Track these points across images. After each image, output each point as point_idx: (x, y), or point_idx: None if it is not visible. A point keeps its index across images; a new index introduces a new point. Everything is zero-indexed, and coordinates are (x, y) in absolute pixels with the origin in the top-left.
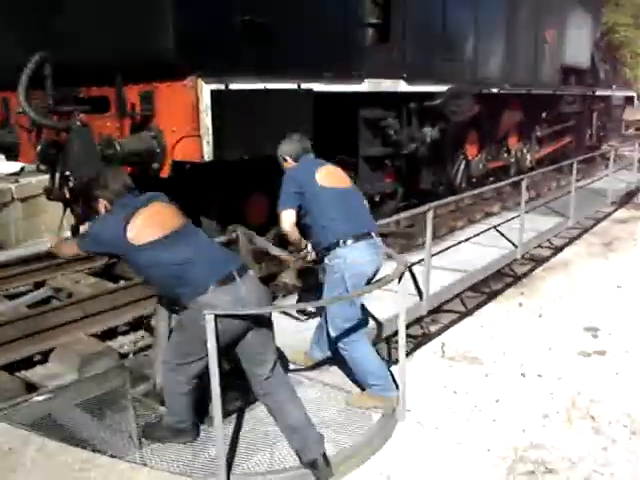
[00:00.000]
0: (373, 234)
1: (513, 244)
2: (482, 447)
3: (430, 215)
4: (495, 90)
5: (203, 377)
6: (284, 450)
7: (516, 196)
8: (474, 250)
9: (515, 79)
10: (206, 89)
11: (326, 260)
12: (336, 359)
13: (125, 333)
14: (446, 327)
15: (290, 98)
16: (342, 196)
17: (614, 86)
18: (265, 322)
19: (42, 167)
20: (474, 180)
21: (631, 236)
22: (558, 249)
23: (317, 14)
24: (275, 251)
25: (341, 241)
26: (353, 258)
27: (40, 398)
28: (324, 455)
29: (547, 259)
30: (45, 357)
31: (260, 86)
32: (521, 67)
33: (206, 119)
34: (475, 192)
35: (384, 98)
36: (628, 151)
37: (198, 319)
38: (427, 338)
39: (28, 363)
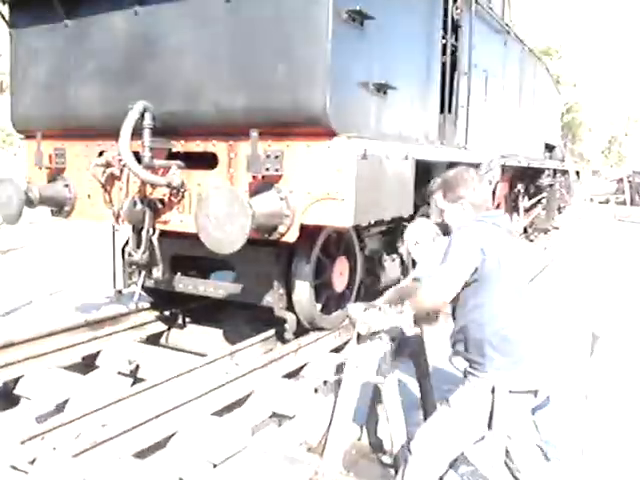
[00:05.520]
0: None
1: None
2: None
3: None
4: (517, 162)
5: None
6: None
7: None
8: None
9: (522, 152)
10: (352, 152)
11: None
12: None
13: None
14: None
15: (401, 164)
16: None
17: (568, 162)
18: None
19: (118, 225)
20: None
21: None
22: None
23: (417, 74)
24: None
25: None
26: None
27: None
28: None
29: None
30: None
31: (385, 152)
32: (525, 141)
33: (349, 183)
34: None
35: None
36: None
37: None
38: None
39: None
